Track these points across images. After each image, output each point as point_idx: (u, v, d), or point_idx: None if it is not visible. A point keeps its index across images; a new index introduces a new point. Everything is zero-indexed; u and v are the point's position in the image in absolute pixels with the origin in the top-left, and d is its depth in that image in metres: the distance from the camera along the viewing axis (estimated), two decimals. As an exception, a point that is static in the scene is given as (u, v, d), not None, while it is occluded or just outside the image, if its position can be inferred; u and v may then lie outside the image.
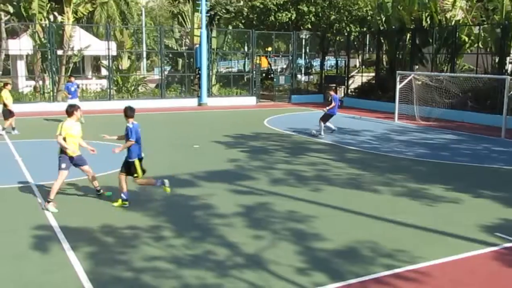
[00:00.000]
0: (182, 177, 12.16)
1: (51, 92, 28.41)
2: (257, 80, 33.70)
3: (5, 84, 19.87)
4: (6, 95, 18.50)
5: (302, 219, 9.05)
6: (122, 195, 9.72)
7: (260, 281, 6.58)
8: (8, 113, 18.41)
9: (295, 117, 25.61)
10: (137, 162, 9.74)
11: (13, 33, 36.84)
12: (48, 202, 9.50)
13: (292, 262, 7.16)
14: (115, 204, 9.75)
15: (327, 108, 18.73)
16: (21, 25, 32.86)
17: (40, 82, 29.78)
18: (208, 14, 32.20)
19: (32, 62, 31.55)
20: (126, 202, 9.72)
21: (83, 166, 10.04)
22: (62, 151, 9.60)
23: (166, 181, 9.98)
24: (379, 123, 23.21)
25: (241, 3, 35.82)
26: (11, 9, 31.56)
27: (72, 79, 21.92)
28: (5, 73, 35.75)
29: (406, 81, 23.93)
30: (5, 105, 18.40)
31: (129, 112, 9.85)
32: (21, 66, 33.38)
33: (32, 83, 31.00)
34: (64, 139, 9.55)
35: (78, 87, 22.98)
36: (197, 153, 15.57)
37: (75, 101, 19.41)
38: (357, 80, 34.05)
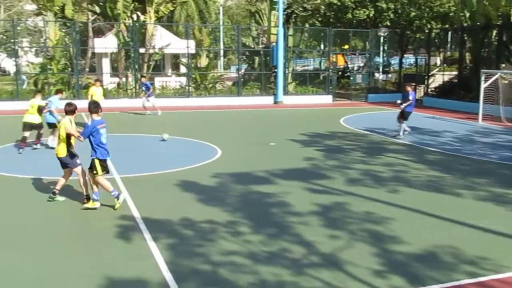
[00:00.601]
0: (258, 174, 12.28)
1: (134, 89, 29.55)
2: (333, 79, 33.40)
3: (96, 81, 20.93)
4: (93, 91, 19.42)
5: (379, 221, 8.89)
6: (93, 195, 9.36)
7: (336, 281, 6.54)
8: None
9: (372, 117, 25.16)
10: (96, 161, 9.20)
11: (99, 32, 38.65)
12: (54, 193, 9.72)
13: (368, 264, 7.05)
14: (87, 205, 9.36)
15: (404, 104, 17.92)
16: (106, 25, 34.44)
17: (123, 79, 31.05)
18: (285, 12, 32.27)
19: (116, 60, 32.97)
20: (96, 203, 9.31)
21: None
22: (68, 149, 9.52)
23: (122, 197, 9.41)
24: (461, 124, 22.33)
25: (318, 0, 35.67)
26: (97, 10, 33.12)
27: (143, 79, 22.51)
28: (91, 70, 37.59)
29: (491, 80, 22.85)
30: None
31: (91, 107, 9.35)
32: (106, 64, 34.97)
33: (116, 80, 32.39)
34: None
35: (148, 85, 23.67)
36: (273, 151, 15.66)
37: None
38: (438, 79, 32.91)
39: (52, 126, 14.85)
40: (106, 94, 29.55)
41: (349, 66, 44.55)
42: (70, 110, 9.57)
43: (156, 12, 30.79)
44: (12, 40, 30.02)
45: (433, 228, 8.66)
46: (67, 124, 9.33)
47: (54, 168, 10.12)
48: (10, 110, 24.10)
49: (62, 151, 9.49)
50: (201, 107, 27.87)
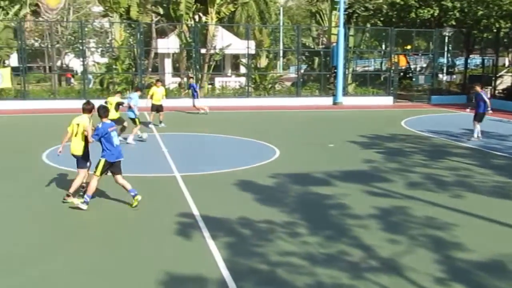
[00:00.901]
0: (317, 175, 12.20)
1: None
2: (395, 80, 32.73)
3: (156, 81, 21.41)
4: (153, 91, 19.78)
5: (442, 226, 8.63)
6: (130, 192, 9.42)
7: (396, 286, 6.40)
8: (155, 108, 19.76)
9: (435, 119, 24.46)
10: (102, 161, 9.25)
11: (162, 33, 39.64)
12: (68, 196, 9.70)
13: (430, 270, 6.86)
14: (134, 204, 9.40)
15: (475, 108, 17.41)
16: (169, 26, 35.23)
17: (185, 79, 31.65)
18: (346, 12, 31.91)
19: (178, 60, 33.69)
20: (137, 197, 9.37)
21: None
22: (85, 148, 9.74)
23: (85, 206, 9.16)
24: (530, 128, 21.34)
25: (381, 0, 35.01)
26: (161, 11, 33.95)
27: (191, 80, 22.55)
28: (154, 70, 38.60)
29: None
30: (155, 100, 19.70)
31: (101, 112, 9.36)
32: (168, 64, 35.79)
33: (178, 79, 33.08)
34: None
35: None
36: (332, 152, 15.53)
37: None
38: (506, 80, 31.60)
39: (133, 122, 16.22)
40: (168, 93, 30.31)
41: (412, 66, 43.50)
42: (87, 108, 9.74)
43: (218, 13, 31.19)
44: (80, 41, 31.19)
45: (499, 236, 8.32)
46: (86, 123, 9.54)
47: (132, 163, 10.42)
48: (77, 108, 24.90)
49: (79, 149, 9.64)
50: (260, 107, 27.99)
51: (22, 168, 12.75)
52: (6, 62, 31.79)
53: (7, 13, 29.47)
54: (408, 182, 11.73)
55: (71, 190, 9.71)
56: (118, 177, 9.44)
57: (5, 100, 27.46)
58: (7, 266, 6.90)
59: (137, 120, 16.28)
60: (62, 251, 7.42)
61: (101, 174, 9.32)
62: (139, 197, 9.38)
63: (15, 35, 29.24)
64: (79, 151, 9.66)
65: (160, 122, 19.93)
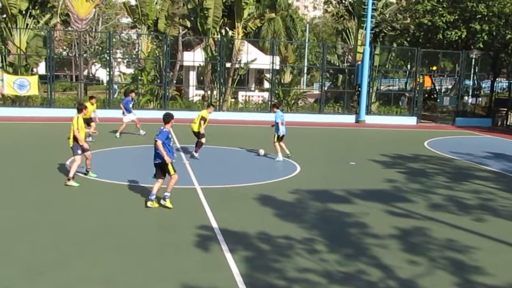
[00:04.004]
0: (337, 192, 12.15)
1: (218, 102, 30.26)
2: (419, 100, 32.51)
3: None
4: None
5: (462, 249, 8.51)
6: (165, 194, 10.27)
7: (414, 308, 6.32)
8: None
9: (459, 141, 24.19)
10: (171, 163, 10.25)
11: (188, 46, 40.07)
12: (69, 179, 11.71)
13: (449, 294, 6.77)
14: (168, 205, 10.25)
15: None
16: (195, 39, 35.62)
17: (208, 92, 31.91)
18: (373, 31, 31.90)
19: (203, 73, 33.97)
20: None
21: (87, 152, 12.27)
22: (75, 140, 11.71)
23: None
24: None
25: (408, 20, 34.95)
26: (188, 24, 34.40)
27: (132, 94, 22.20)
28: (178, 82, 38.97)
29: None
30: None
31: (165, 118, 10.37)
32: (192, 77, 36.13)
33: (201, 92, 33.36)
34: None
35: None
36: (353, 170, 15.45)
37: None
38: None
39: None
40: (191, 106, 30.59)
41: (437, 87, 43.21)
42: (79, 108, 12.11)
43: (244, 27, 31.46)
44: (107, 51, 31.71)
45: (521, 262, 8.16)
46: (74, 121, 11.68)
47: (152, 174, 10.58)
48: (102, 118, 25.32)
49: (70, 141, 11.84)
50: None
51: (46, 175, 12.95)
52: (34, 70, 32.46)
53: (38, 22, 30.14)
54: (430, 203, 11.60)
55: (71, 174, 11.74)
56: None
57: (31, 107, 28.00)
58: (27, 273, 7.00)
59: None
60: (80, 259, 7.49)
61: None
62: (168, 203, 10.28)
63: (44, 44, 29.88)
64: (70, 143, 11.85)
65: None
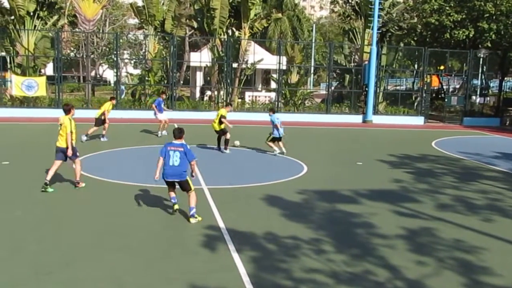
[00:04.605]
0: (344, 193, 12.13)
1: (224, 102, 30.26)
2: (427, 100, 32.39)
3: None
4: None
5: (470, 250, 8.47)
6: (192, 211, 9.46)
7: (422, 309, 6.30)
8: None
9: (467, 141, 24.08)
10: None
11: (194, 47, 40.15)
12: (78, 183, 11.63)
13: (457, 294, 6.73)
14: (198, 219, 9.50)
15: None
16: (202, 39, 35.67)
17: (215, 92, 31.96)
18: (380, 31, 31.83)
19: (209, 73, 34.02)
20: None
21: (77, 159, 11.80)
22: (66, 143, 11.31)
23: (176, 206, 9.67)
24: None
25: (415, 20, 34.85)
26: (195, 25, 34.45)
27: (163, 95, 22.55)
28: (185, 82, 39.05)
29: None
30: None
31: (176, 133, 9.70)
32: (199, 77, 36.19)
33: (208, 93, 33.41)
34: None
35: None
36: (360, 170, 15.41)
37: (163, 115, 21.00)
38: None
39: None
40: (198, 106, 30.62)
41: (444, 87, 43.03)
42: (68, 109, 11.52)
43: (251, 28, 31.48)
44: (114, 52, 31.81)
45: (530, 263, 8.11)
46: (67, 123, 11.30)
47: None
48: (109, 118, 25.34)
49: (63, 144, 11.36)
50: (289, 123, 27.95)
51: (56, 176, 13.00)
52: (42, 71, 32.62)
53: (46, 23, 30.29)
54: (437, 203, 11.55)
55: (77, 177, 11.61)
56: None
57: (39, 108, 28.14)
58: (34, 272, 7.04)
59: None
60: (87, 259, 7.52)
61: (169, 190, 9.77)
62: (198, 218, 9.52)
63: (52, 45, 30.04)
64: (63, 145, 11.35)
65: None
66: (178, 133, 9.65)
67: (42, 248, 7.88)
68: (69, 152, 11.29)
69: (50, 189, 11.23)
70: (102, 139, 19.21)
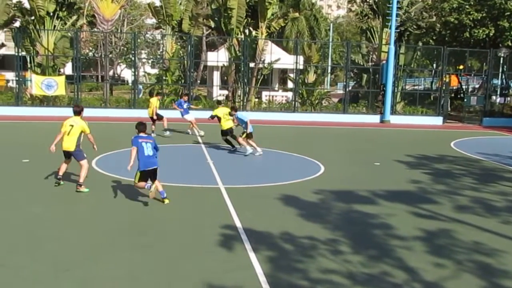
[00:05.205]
0: (361, 193, 12.06)
1: (241, 102, 30.32)
2: (445, 100, 32.05)
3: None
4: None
5: (490, 253, 8.35)
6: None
7: (440, 311, 6.23)
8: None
9: (487, 142, 23.78)
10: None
11: (212, 46, 40.26)
12: (80, 186, 11.19)
13: (476, 297, 6.65)
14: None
15: None
16: (219, 39, 35.74)
17: (232, 92, 32.01)
18: (398, 30, 31.59)
19: (226, 73, 34.09)
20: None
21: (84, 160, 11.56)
22: (78, 145, 11.33)
23: (153, 186, 10.20)
24: None
25: (434, 18, 34.53)
26: (212, 24, 34.53)
27: (185, 97, 22.76)
28: (202, 82, 39.16)
29: None
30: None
31: (141, 128, 10.54)
32: (216, 77, 36.27)
33: (225, 92, 33.47)
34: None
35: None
36: (378, 171, 15.31)
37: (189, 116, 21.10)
38: None
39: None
40: (215, 106, 30.69)
41: (463, 87, 42.57)
42: (79, 111, 11.86)
43: (268, 27, 31.46)
44: (132, 52, 32.02)
45: (551, 266, 7.97)
46: (84, 125, 11.48)
47: (177, 173, 10.64)
48: (126, 117, 25.64)
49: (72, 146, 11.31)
50: (306, 123, 27.96)
51: (73, 172, 13.11)
52: (61, 70, 32.98)
53: (65, 23, 30.62)
54: (456, 205, 11.43)
55: (81, 180, 11.19)
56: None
57: (58, 107, 28.46)
58: (53, 269, 7.12)
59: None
60: (105, 257, 7.59)
61: (139, 181, 10.29)
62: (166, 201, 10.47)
63: (71, 45, 30.37)
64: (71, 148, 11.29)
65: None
66: (143, 127, 10.56)
67: (61, 246, 7.97)
68: (96, 148, 11.63)
69: (85, 190, 11.25)
70: (166, 133, 20.46)
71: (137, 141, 10.21)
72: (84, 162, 11.32)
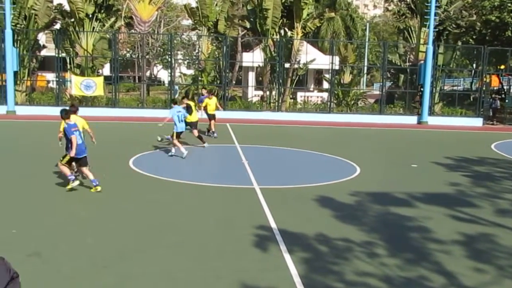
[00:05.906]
0: (398, 195, 11.87)
1: (276, 102, 30.28)
2: (486, 101, 31.26)
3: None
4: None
5: (533, 258, 8.10)
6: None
7: (480, 318, 6.07)
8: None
9: (528, 143, 23.09)
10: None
11: (247, 47, 40.34)
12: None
13: (518, 304, 6.45)
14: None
15: None
16: (254, 40, 35.79)
17: (267, 92, 31.99)
18: (436, 29, 30.95)
19: (261, 73, 34.09)
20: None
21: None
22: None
23: (76, 182, 11.00)
24: None
25: (474, 17, 33.70)
26: (248, 25, 34.59)
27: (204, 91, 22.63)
28: (237, 82, 39.30)
29: None
30: None
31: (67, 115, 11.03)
32: (251, 77, 36.32)
33: (260, 93, 33.48)
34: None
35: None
36: (415, 173, 15.04)
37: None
38: None
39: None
40: (250, 106, 30.76)
41: (505, 87, 41.43)
42: (75, 110, 12.23)
43: (303, 28, 31.29)
44: (169, 53, 32.39)
45: None
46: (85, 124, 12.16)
47: (212, 173, 10.68)
48: (163, 118, 25.82)
49: None
50: (341, 124, 27.70)
51: (112, 169, 13.36)
52: (100, 71, 33.62)
53: (103, 25, 31.19)
54: (497, 208, 11.12)
55: (91, 177, 11.30)
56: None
57: (97, 107, 29.01)
58: (92, 265, 7.25)
59: None
60: (141, 255, 7.68)
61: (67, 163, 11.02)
62: (99, 188, 11.07)
63: (109, 46, 30.91)
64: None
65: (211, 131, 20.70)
66: (67, 113, 11.04)
67: (100, 242, 8.11)
68: (95, 142, 12.25)
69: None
70: (213, 135, 20.51)
71: (70, 131, 10.69)
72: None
